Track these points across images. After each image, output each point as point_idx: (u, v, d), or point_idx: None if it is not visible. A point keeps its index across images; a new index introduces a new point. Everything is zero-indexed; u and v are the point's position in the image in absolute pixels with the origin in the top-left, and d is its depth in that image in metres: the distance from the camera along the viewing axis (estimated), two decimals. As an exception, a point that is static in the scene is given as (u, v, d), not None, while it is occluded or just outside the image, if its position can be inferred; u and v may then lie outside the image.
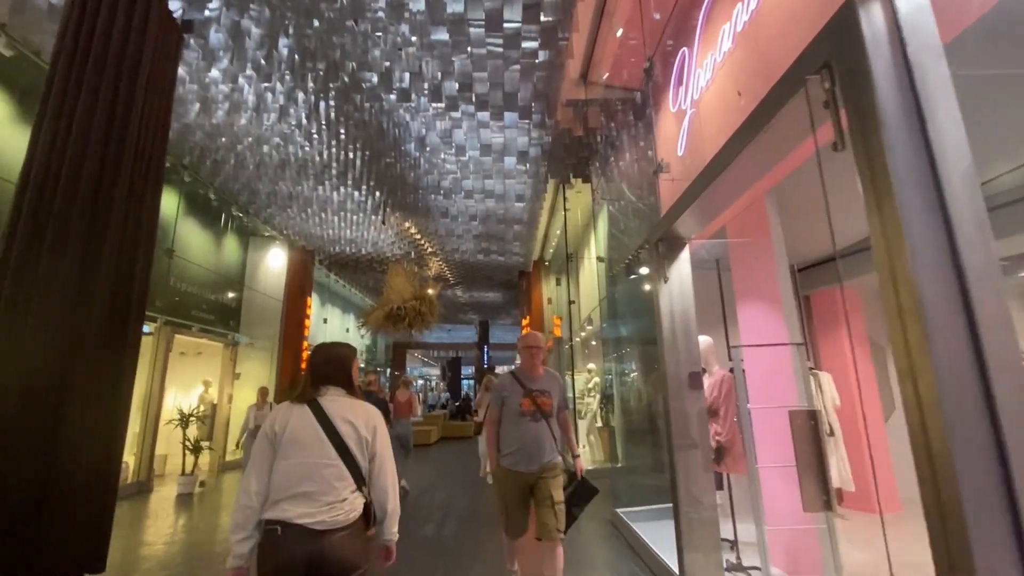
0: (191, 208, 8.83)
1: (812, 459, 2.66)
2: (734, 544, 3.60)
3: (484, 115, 6.48)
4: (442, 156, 7.59)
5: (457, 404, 19.00)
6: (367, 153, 7.41)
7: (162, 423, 7.26)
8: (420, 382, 33.69)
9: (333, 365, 1.92)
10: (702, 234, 3.17)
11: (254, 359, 10.82)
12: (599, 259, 6.62)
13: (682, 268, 3.01)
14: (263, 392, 6.97)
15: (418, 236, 11.36)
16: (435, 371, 36.68)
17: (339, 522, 1.66)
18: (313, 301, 13.16)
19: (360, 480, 1.76)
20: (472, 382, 36.63)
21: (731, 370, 3.92)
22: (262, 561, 1.64)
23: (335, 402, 1.83)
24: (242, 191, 8.56)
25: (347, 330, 17.32)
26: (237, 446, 8.29)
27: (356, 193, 8.80)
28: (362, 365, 19.56)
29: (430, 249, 12.36)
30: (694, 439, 2.78)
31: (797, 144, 1.95)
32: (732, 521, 3.47)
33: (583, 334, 9.70)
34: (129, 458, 6.86)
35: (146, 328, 7.64)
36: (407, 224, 10.61)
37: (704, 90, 2.78)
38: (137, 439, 6.99)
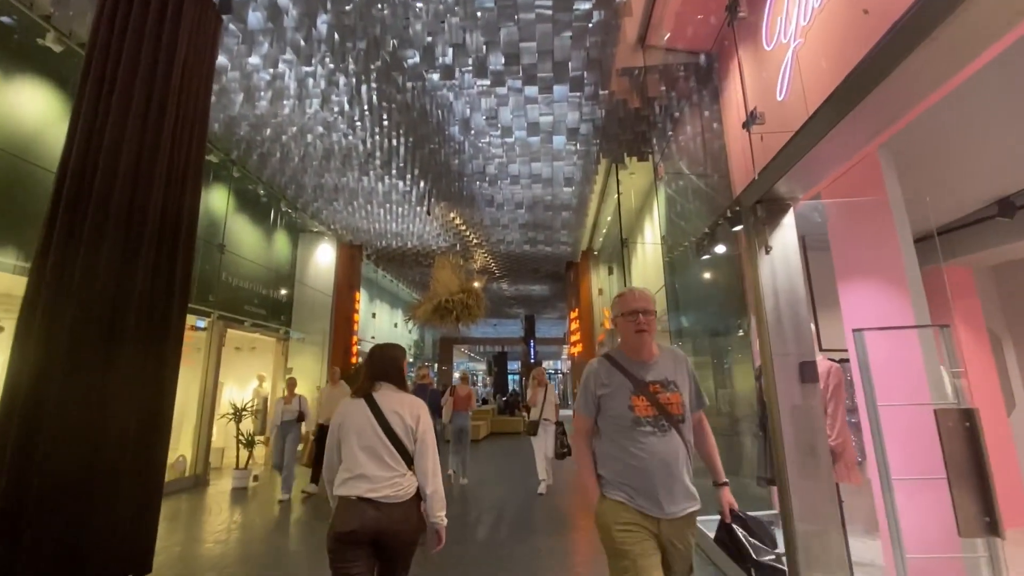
0: (241, 204, 8.90)
1: (970, 470, 2.10)
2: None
3: (532, 90, 6.05)
4: (487, 139, 7.23)
5: (505, 399, 18.72)
6: (410, 139, 7.16)
7: (217, 417, 7.32)
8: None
9: (387, 365, 2.21)
10: (806, 194, 2.63)
11: (306, 354, 10.91)
12: (663, 240, 6.07)
13: (786, 236, 2.49)
14: (291, 385, 6.61)
15: (463, 227, 11.09)
16: (481, 366, 36.73)
17: (399, 496, 1.97)
18: (362, 296, 13.21)
19: (410, 461, 2.06)
20: (518, 377, 36.39)
21: (837, 360, 3.35)
22: (337, 523, 1.95)
23: (386, 396, 2.12)
24: (289, 184, 8.53)
25: (395, 325, 17.39)
26: (265, 443, 8.14)
27: (401, 183, 8.59)
28: (411, 360, 19.67)
29: (475, 240, 12.09)
30: (810, 441, 2.27)
31: (990, 42, 1.41)
32: (844, 540, 2.92)
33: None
34: (187, 451, 6.94)
35: (200, 323, 7.74)
36: (452, 215, 10.36)
37: (816, 13, 2.24)
38: (193, 433, 7.06)
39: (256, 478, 7.21)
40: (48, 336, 2.45)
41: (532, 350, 24.41)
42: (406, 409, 2.08)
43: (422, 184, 8.69)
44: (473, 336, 30.96)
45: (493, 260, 14.03)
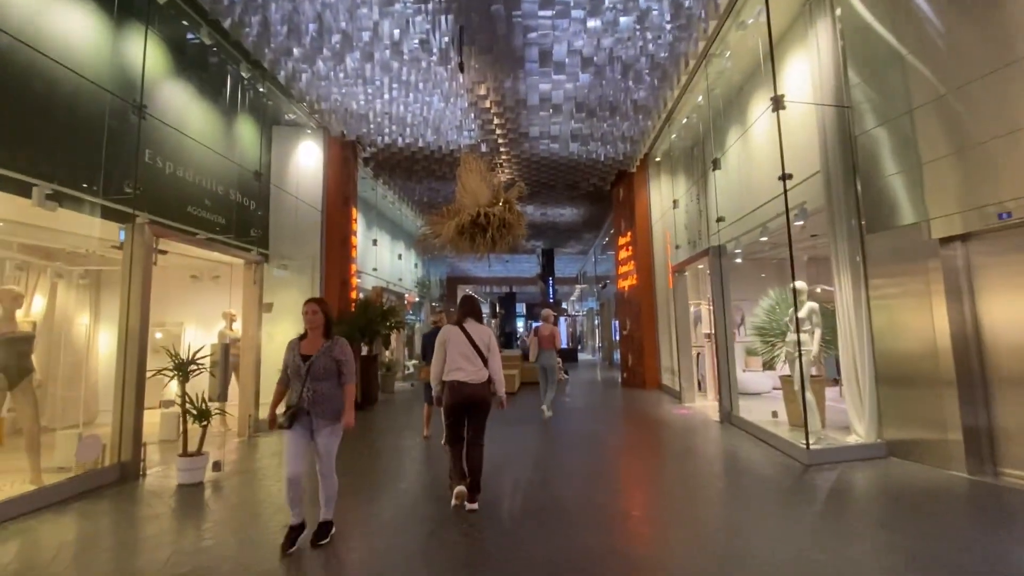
0: (180, 62, 5.89)
1: None
2: None
3: None
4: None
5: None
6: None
7: (149, 374, 4.70)
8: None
9: (473, 309, 3.90)
10: None
11: (292, 287, 8.22)
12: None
13: None
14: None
15: (495, 113, 8.13)
16: (483, 308, 34.13)
17: (480, 379, 3.67)
18: (359, 221, 10.39)
19: (484, 362, 3.72)
20: (524, 320, 33.79)
21: None
22: (448, 397, 3.66)
23: (472, 325, 3.80)
24: (246, 13, 5.47)
25: (399, 256, 14.65)
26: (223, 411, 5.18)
27: (419, 18, 5.59)
28: (418, 299, 17.05)
29: (507, 138, 9.16)
30: None
31: None
32: None
33: (761, 239, 6.42)
34: (101, 429, 4.37)
35: (121, 234, 5.00)
36: (483, 88, 7.38)
37: None
38: (114, 399, 4.47)
39: (217, 466, 4.71)
40: None
41: (551, 289, 21.87)
42: (484, 334, 3.79)
43: (447, 20, 5.69)
44: (480, 276, 28.29)
45: (521, 172, 11.11)
